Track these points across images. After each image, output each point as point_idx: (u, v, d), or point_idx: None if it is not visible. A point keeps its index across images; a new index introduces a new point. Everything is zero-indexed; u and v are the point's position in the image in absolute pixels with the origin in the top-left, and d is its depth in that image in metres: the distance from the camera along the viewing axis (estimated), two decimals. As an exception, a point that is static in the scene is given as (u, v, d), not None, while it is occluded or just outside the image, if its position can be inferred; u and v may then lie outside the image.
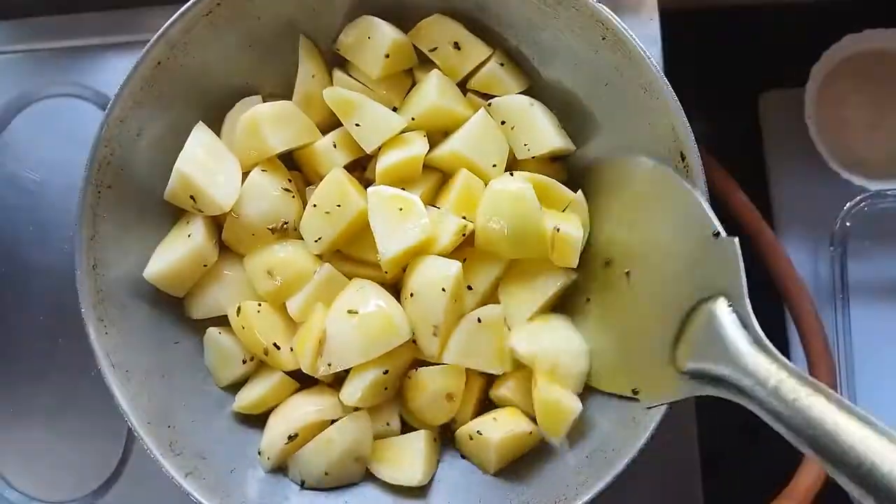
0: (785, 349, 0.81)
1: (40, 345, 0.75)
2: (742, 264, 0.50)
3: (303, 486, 0.60)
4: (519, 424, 0.60)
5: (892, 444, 0.41)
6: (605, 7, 0.56)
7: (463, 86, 0.64)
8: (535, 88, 0.64)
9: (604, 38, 0.57)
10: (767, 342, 0.48)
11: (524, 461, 0.61)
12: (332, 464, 0.59)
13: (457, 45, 0.62)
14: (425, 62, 0.64)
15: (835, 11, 0.81)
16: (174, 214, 0.63)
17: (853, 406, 0.43)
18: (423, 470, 0.60)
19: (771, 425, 0.45)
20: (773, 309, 0.80)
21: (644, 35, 0.71)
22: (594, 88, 0.60)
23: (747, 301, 0.50)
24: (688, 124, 0.55)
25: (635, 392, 0.56)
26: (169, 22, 0.58)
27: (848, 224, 0.77)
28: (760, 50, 0.87)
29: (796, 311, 0.73)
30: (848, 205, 0.77)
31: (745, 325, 0.49)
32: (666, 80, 0.55)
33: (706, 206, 0.54)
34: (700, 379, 0.51)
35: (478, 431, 0.60)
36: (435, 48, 0.62)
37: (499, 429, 0.59)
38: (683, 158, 0.55)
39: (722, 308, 0.50)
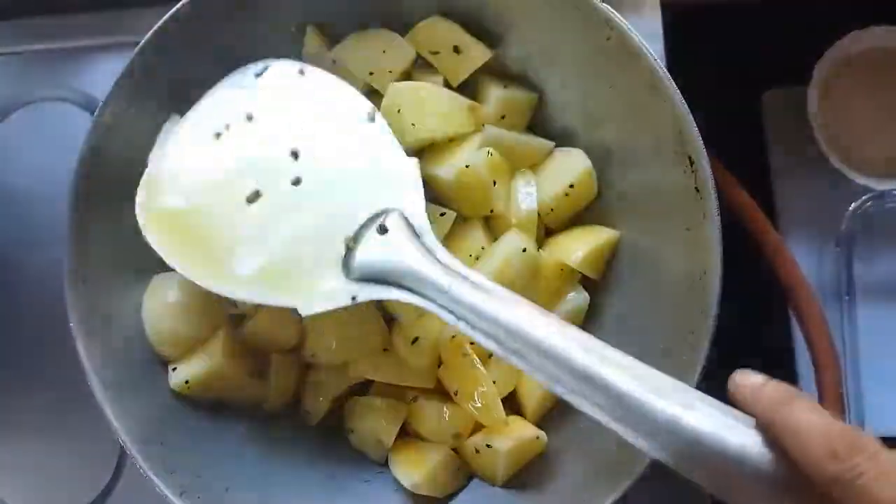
0: (790, 350, 0.80)
1: (29, 356, 0.73)
2: (420, 182, 0.54)
3: None
4: (526, 430, 0.59)
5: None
6: (609, 7, 0.55)
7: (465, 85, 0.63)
8: (535, 90, 0.63)
9: (608, 39, 0.55)
10: (440, 252, 0.51)
11: (529, 479, 0.59)
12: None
13: (456, 49, 0.61)
14: (424, 65, 0.62)
15: (840, 7, 0.80)
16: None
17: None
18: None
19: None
20: (778, 310, 0.79)
21: (645, 31, 0.69)
22: (597, 89, 0.59)
23: (423, 214, 0.53)
24: (696, 128, 0.53)
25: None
26: (158, 25, 0.56)
27: (854, 224, 0.76)
28: (763, 46, 0.86)
29: (801, 313, 0.73)
30: (853, 205, 0.76)
31: (419, 234, 0.52)
32: (673, 83, 0.54)
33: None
34: (373, 283, 0.52)
35: (486, 444, 0.58)
36: (436, 52, 0.61)
37: (507, 438, 0.58)
38: (692, 163, 0.54)
39: (396, 220, 0.53)
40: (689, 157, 0.54)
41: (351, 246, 0.53)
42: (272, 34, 0.61)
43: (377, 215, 0.53)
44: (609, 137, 0.60)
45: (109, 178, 0.58)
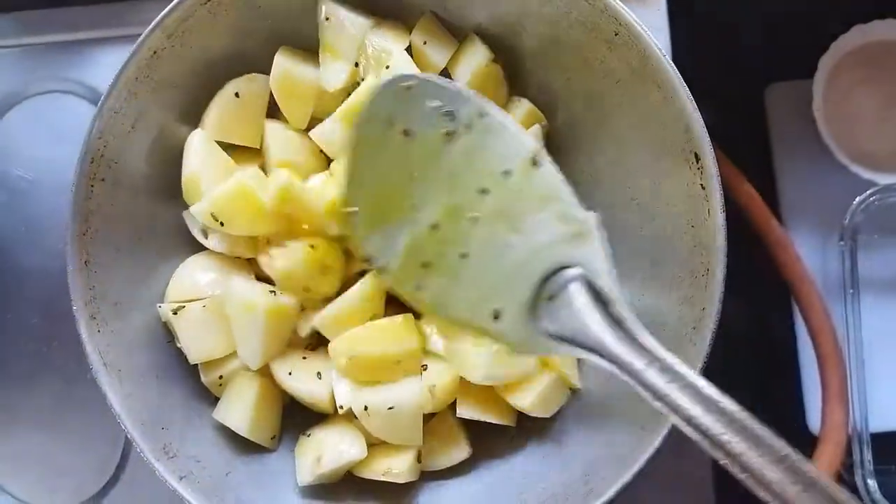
0: (793, 345, 0.80)
1: (34, 347, 0.73)
2: (603, 240, 0.50)
3: None
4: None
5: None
6: (618, 1, 0.55)
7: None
8: (542, 85, 0.63)
9: (616, 34, 0.55)
10: (624, 319, 0.48)
11: (528, 471, 0.60)
12: None
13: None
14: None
15: (844, 1, 0.80)
16: (169, 210, 0.62)
17: (708, 393, 0.43)
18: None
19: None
20: (782, 304, 0.79)
21: (651, 24, 0.69)
22: (604, 85, 0.59)
23: (611, 278, 0.49)
24: (703, 124, 0.53)
25: (496, 315, 0.53)
26: (166, 10, 0.56)
27: (857, 219, 0.76)
28: (768, 40, 0.85)
29: (805, 307, 0.73)
30: (858, 199, 0.75)
31: (605, 300, 0.49)
32: (681, 78, 0.53)
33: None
34: (562, 341, 0.50)
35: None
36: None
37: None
38: (698, 159, 0.54)
39: (577, 283, 0.50)
40: (696, 154, 0.54)
41: (536, 299, 0.51)
42: (283, 16, 0.61)
43: (557, 270, 0.51)
44: (615, 133, 0.60)
45: (114, 163, 0.58)
